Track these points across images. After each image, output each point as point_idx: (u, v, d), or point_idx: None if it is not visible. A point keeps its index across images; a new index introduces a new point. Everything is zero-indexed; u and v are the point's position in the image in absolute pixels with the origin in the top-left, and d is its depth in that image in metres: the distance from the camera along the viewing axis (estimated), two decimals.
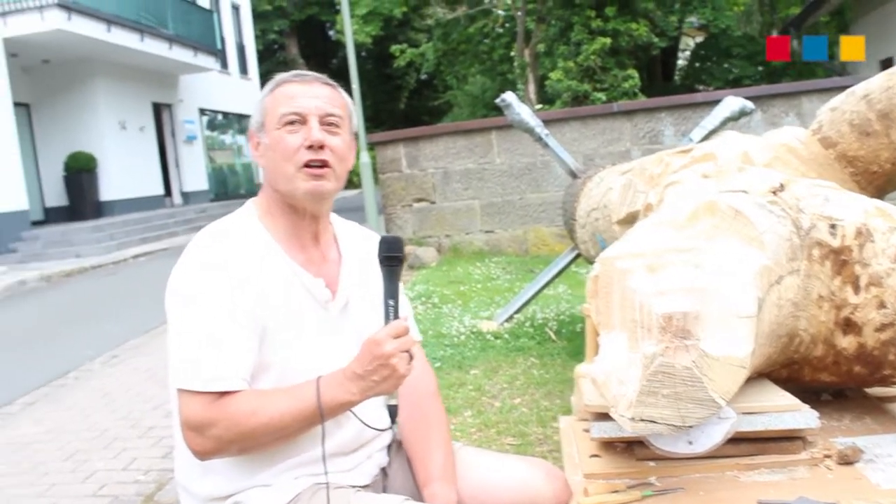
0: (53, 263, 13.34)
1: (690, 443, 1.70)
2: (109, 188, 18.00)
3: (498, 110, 5.98)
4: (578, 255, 5.69)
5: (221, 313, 1.54)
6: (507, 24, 16.99)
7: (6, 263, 13.51)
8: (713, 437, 1.68)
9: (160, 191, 20.51)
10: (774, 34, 23.77)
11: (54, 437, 4.61)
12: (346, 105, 1.73)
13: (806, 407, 1.78)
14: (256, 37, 29.06)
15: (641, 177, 3.56)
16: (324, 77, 1.72)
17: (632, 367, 1.59)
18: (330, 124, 1.67)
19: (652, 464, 1.78)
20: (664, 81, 18.61)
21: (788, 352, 2.01)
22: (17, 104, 15.58)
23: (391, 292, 1.54)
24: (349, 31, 11.59)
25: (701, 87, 19.02)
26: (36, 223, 16.28)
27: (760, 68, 18.06)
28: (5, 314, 9.57)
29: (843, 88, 9.26)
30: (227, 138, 26.53)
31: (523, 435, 3.76)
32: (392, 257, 1.55)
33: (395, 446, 1.86)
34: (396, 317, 1.53)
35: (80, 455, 4.25)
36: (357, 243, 1.84)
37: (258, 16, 29.86)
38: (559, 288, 7.08)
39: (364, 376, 1.50)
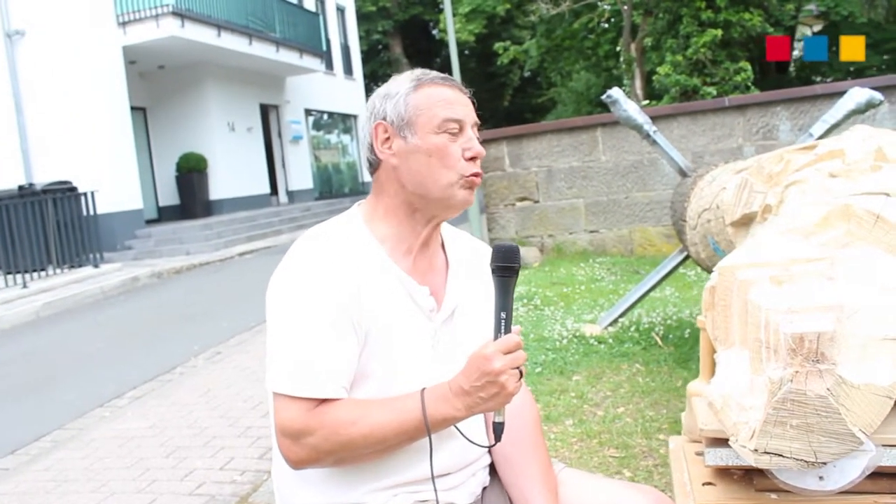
0: (164, 261, 13.76)
1: (821, 478, 1.50)
2: (218, 187, 18.48)
3: (603, 107, 5.77)
4: (687, 257, 5.43)
5: (323, 319, 1.47)
6: (612, 19, 16.58)
7: (122, 260, 14.02)
8: (848, 473, 1.49)
9: (266, 190, 20.93)
10: None
11: (158, 432, 4.68)
12: None
13: None
14: (361, 37, 29.37)
15: (759, 175, 3.31)
16: (460, 83, 1.67)
17: (755, 391, 1.41)
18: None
19: (774, 496, 1.60)
20: (778, 74, 17.86)
21: None
22: (134, 108, 16.16)
23: (503, 305, 1.43)
24: (451, 29, 11.52)
25: (818, 79, 18.13)
26: (150, 221, 16.87)
27: (886, 57, 17.04)
28: (120, 309, 9.90)
29: None
30: (332, 138, 26.91)
31: (627, 447, 3.57)
32: (506, 267, 1.44)
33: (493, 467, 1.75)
34: (508, 331, 1.42)
35: (181, 452, 4.29)
36: (465, 252, 1.75)
37: (362, 17, 30.18)
38: (666, 290, 6.81)
39: (470, 392, 1.41)
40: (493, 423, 1.47)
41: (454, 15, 14.73)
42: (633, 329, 5.51)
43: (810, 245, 1.71)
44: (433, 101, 1.57)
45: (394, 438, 1.46)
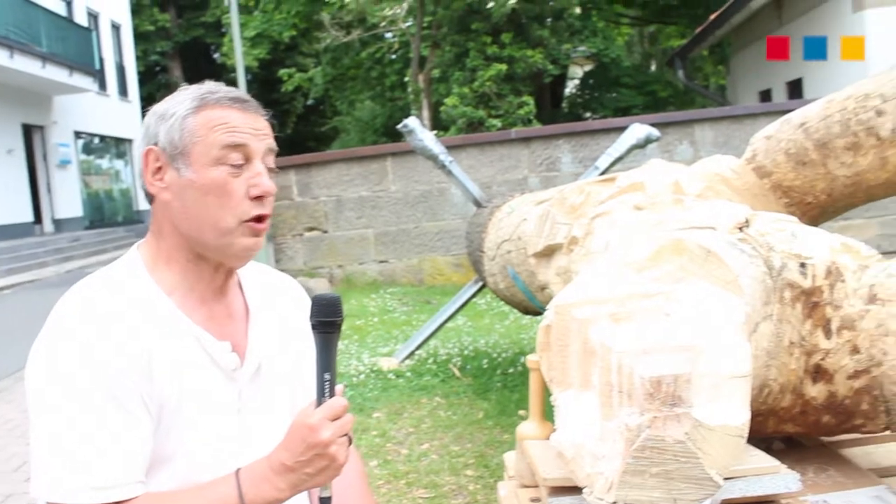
0: None
1: None
2: None
3: (392, 136, 5.73)
4: (483, 288, 5.47)
5: (104, 397, 1.20)
6: (399, 50, 16.80)
7: None
8: None
9: (29, 217, 19.29)
10: (653, 66, 24.64)
11: None
12: None
13: (784, 467, 1.59)
14: (137, 58, 27.99)
15: (560, 207, 3.34)
16: (256, 103, 1.39)
17: (609, 439, 1.32)
18: (268, 168, 1.35)
19: None
20: (553, 109, 18.86)
21: (756, 404, 1.80)
22: None
23: (326, 364, 1.24)
24: (239, 53, 11.15)
25: (589, 115, 19.35)
26: None
27: (644, 98, 18.58)
28: None
29: (732, 118, 9.52)
30: (105, 163, 25.34)
31: (435, 486, 3.47)
32: (329, 322, 1.24)
33: None
34: (333, 393, 1.23)
35: None
36: (267, 289, 1.51)
37: (140, 36, 28.80)
38: (459, 320, 6.84)
39: (295, 468, 1.21)
40: (320, 498, 1.28)
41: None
42: (430, 361, 5.46)
43: (643, 279, 1.67)
44: (213, 126, 1.30)
45: None
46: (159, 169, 1.32)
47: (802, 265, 1.77)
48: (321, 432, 1.19)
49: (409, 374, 5.21)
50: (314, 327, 1.25)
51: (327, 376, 1.24)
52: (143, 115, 1.39)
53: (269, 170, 1.35)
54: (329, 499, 1.27)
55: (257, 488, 1.22)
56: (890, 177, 2.40)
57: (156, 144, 1.32)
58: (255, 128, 1.33)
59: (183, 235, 1.33)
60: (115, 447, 1.20)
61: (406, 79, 16.03)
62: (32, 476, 1.23)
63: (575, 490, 1.55)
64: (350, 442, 1.26)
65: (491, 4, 12.32)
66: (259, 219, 1.33)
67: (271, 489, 1.22)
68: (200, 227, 1.31)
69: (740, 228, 1.81)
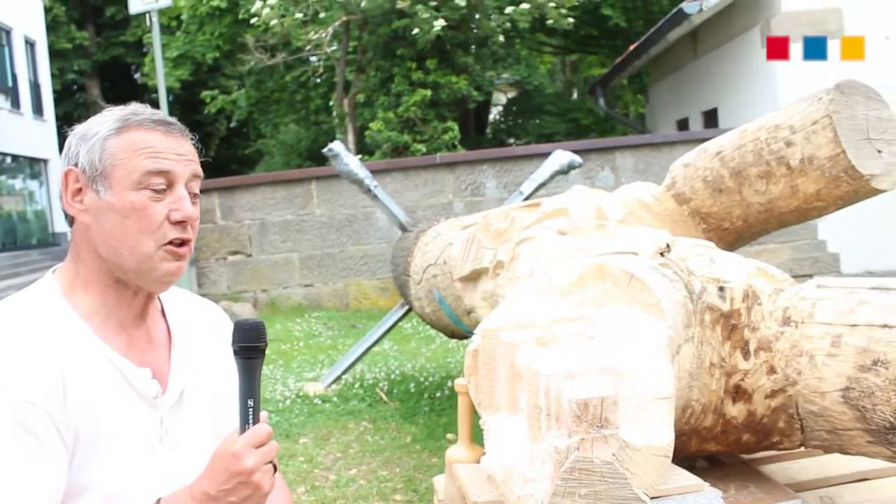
0: None
1: None
2: None
3: (316, 160, 5.74)
4: (408, 312, 5.48)
5: (12, 431, 1.17)
6: (325, 74, 16.76)
7: None
8: None
9: None
10: (575, 94, 25.16)
11: None
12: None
13: (707, 486, 1.64)
14: (54, 76, 27.24)
15: (486, 232, 3.39)
16: (182, 126, 1.37)
17: (538, 461, 1.35)
18: (192, 193, 1.34)
19: None
20: (477, 134, 19.06)
21: (679, 424, 1.85)
22: None
23: (249, 391, 1.23)
24: (161, 74, 10.98)
25: (513, 141, 19.61)
26: None
27: (566, 125, 18.97)
28: None
29: (652, 145, 9.76)
30: (18, 183, 24.51)
31: None
32: (251, 348, 1.23)
33: None
34: (256, 420, 1.22)
35: None
36: (190, 315, 1.49)
37: (56, 53, 28.05)
38: (385, 344, 6.84)
39: (218, 497, 1.19)
40: None
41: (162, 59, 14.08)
42: (357, 386, 5.43)
43: (568, 304, 1.71)
44: (136, 149, 1.29)
45: None
46: (79, 190, 1.31)
47: (721, 289, 1.83)
48: (245, 460, 1.18)
49: (335, 398, 5.18)
50: (236, 353, 1.24)
51: (251, 403, 1.23)
52: (59, 135, 1.37)
53: (193, 195, 1.34)
54: None
55: None
56: (800, 204, 2.50)
57: (76, 165, 1.30)
58: (180, 153, 1.32)
59: (102, 259, 1.31)
60: (27, 479, 1.17)
61: (331, 103, 15.99)
62: None
63: None
64: (275, 469, 1.25)
65: (416, 31, 12.42)
66: (180, 242, 1.32)
67: None
68: (119, 250, 1.29)
69: (661, 254, 1.87)
